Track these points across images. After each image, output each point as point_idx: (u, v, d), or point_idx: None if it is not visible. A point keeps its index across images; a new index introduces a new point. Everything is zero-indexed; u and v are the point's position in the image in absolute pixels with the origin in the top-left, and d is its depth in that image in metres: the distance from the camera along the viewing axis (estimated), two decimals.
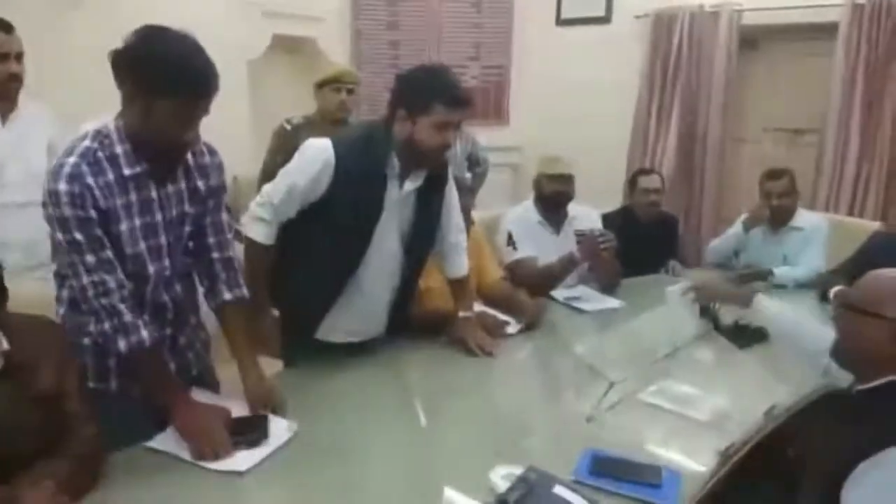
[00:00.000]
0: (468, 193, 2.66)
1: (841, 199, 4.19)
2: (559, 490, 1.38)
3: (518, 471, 1.42)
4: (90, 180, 1.47)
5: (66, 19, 3.34)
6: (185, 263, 1.73)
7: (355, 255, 2.02)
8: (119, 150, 1.51)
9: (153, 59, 1.43)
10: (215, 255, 1.75)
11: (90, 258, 1.49)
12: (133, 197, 1.55)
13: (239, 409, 1.70)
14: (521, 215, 3.07)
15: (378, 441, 1.72)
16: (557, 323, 2.62)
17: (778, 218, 3.31)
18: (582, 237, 2.81)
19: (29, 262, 2.17)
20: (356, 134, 2.09)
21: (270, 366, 2.03)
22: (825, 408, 1.89)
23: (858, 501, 1.30)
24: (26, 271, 2.17)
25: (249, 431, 1.61)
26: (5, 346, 1.35)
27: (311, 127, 3.08)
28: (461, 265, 2.30)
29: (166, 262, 1.65)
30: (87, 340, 1.62)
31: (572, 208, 3.07)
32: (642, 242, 3.25)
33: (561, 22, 5.10)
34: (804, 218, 3.35)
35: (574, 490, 1.40)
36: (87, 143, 1.51)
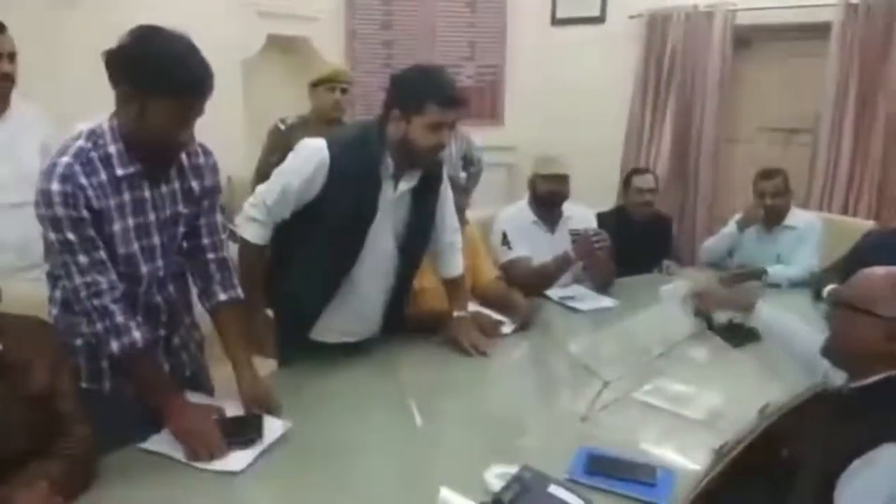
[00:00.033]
0: (462, 193, 2.66)
1: (834, 198, 4.20)
2: (554, 489, 1.39)
3: (513, 470, 1.42)
4: (83, 180, 1.46)
5: (60, 19, 3.33)
6: (178, 264, 1.73)
7: (350, 255, 2.01)
8: (112, 149, 1.51)
9: (148, 59, 1.43)
10: (210, 255, 1.75)
11: (83, 259, 1.48)
12: (126, 197, 1.54)
13: (233, 410, 1.70)
14: (516, 215, 3.07)
15: (373, 441, 1.72)
16: (552, 322, 2.63)
17: (772, 217, 3.32)
18: (576, 237, 2.81)
19: (22, 262, 2.17)
20: (350, 134, 2.09)
21: (265, 366, 2.03)
22: (818, 406, 1.89)
23: (851, 498, 1.30)
24: (19, 272, 2.16)
25: (244, 432, 1.60)
26: None
27: (305, 126, 3.08)
28: (456, 265, 2.30)
29: (160, 263, 1.64)
30: (79, 341, 1.62)
31: (567, 208, 3.07)
32: (636, 242, 3.26)
33: (555, 22, 5.11)
34: (798, 217, 3.36)
35: (569, 489, 1.41)
36: (80, 142, 1.50)
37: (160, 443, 1.57)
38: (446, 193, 2.22)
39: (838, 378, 1.67)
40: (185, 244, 1.73)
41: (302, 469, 1.57)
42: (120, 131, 1.51)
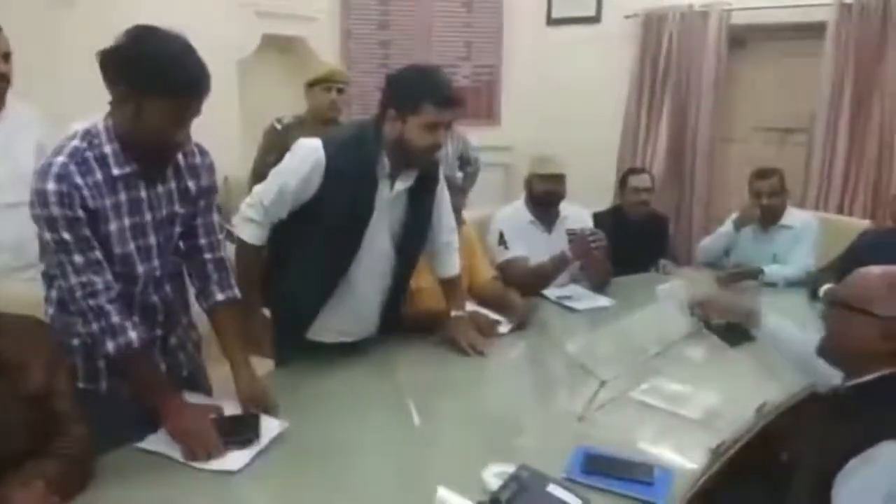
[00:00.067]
0: (459, 193, 2.66)
1: (830, 197, 4.21)
2: (551, 488, 1.39)
3: (510, 469, 1.43)
4: (78, 180, 1.46)
5: (58, 19, 3.32)
6: (175, 264, 1.73)
7: (347, 255, 2.01)
8: (108, 149, 1.51)
9: (145, 59, 1.42)
10: (207, 255, 1.75)
11: (78, 258, 1.48)
12: (122, 197, 1.54)
13: (231, 409, 1.70)
14: (513, 215, 3.07)
15: (370, 440, 1.72)
16: (549, 322, 2.63)
17: (768, 217, 3.33)
18: (573, 236, 2.81)
19: (17, 262, 2.16)
20: (347, 134, 2.09)
21: (262, 366, 2.02)
22: (815, 406, 1.90)
23: (848, 496, 1.30)
24: (15, 272, 2.15)
25: (241, 431, 1.60)
26: None
27: (301, 126, 3.08)
28: (453, 265, 2.30)
29: (156, 263, 1.64)
30: (76, 341, 1.61)
31: (563, 208, 3.08)
32: (633, 241, 3.27)
33: (551, 22, 5.11)
34: (794, 216, 3.37)
35: (566, 488, 1.41)
36: (75, 142, 1.50)
37: (157, 442, 1.57)
38: (443, 193, 2.22)
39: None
40: (182, 244, 1.73)
41: (299, 469, 1.57)
42: (115, 131, 1.51)
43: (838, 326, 1.56)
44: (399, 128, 1.91)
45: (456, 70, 5.16)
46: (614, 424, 1.79)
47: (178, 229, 1.68)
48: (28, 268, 2.06)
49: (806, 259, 3.22)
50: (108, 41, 1.44)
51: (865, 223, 3.63)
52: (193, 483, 1.47)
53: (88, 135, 1.51)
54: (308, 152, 1.93)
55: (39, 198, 1.44)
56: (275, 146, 2.94)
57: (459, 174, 3.65)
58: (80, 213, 1.46)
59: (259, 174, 2.71)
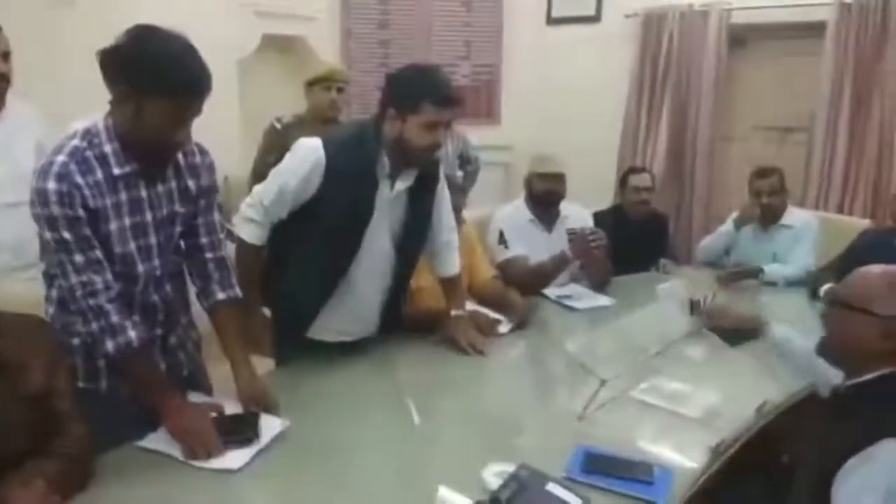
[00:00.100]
0: (459, 192, 2.66)
1: (830, 197, 4.21)
2: (551, 487, 1.39)
3: (510, 468, 1.42)
4: (79, 179, 1.46)
5: (58, 19, 3.32)
6: (175, 263, 1.73)
7: (347, 254, 2.01)
8: (108, 149, 1.51)
9: (145, 58, 1.42)
10: (208, 255, 1.75)
11: (78, 258, 1.48)
12: (122, 196, 1.54)
13: (231, 408, 1.70)
14: (513, 214, 3.07)
15: (371, 440, 1.72)
16: (549, 321, 2.63)
17: (768, 216, 3.32)
18: (573, 235, 2.82)
19: (18, 262, 2.16)
20: (347, 133, 2.09)
21: (262, 365, 2.03)
22: (815, 405, 1.90)
23: (848, 495, 1.30)
24: (15, 272, 2.15)
25: (241, 430, 1.60)
26: None
27: (301, 126, 3.08)
28: (453, 264, 2.30)
29: (156, 262, 1.64)
30: (76, 340, 1.61)
31: (564, 207, 3.08)
32: (633, 241, 3.27)
33: (551, 21, 5.11)
34: (794, 216, 3.37)
35: (566, 487, 1.41)
36: (75, 141, 1.50)
37: (157, 441, 1.57)
38: (443, 193, 2.22)
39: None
40: (183, 243, 1.73)
41: (299, 468, 1.57)
42: (115, 131, 1.51)
43: (838, 326, 1.56)
44: (399, 127, 1.91)
45: (455, 69, 5.16)
46: (614, 423, 1.79)
47: (178, 228, 1.69)
48: (28, 267, 2.06)
49: (806, 258, 3.22)
50: (108, 41, 1.44)
51: (865, 222, 3.63)
52: (193, 482, 1.47)
53: (88, 134, 1.51)
54: (308, 152, 1.93)
55: (40, 197, 1.44)
56: (275, 146, 2.94)
57: (459, 173, 3.65)
58: (81, 212, 1.46)
59: (259, 174, 2.71)
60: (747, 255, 3.35)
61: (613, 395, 1.88)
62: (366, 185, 1.96)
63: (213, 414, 1.64)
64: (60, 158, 1.46)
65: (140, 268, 1.60)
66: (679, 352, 2.26)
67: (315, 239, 1.98)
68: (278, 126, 3.18)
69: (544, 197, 3.03)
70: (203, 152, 1.71)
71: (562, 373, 2.24)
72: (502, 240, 2.96)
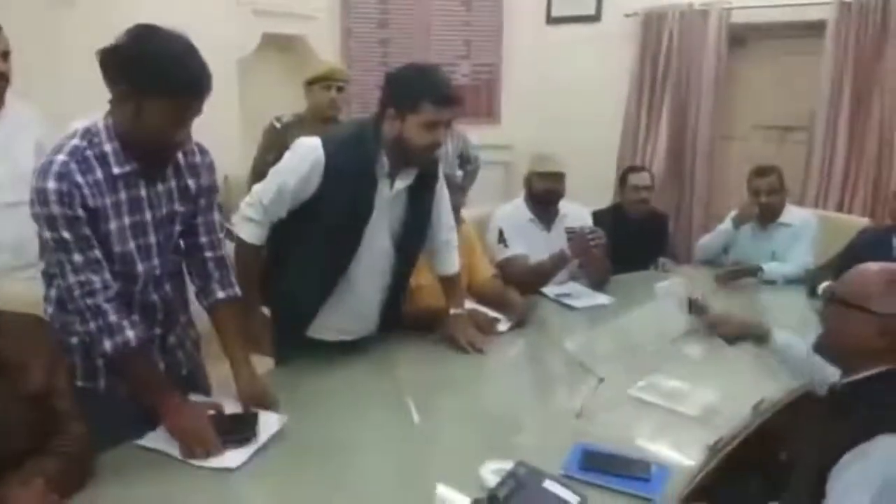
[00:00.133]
0: (458, 191, 2.66)
1: (830, 195, 4.22)
2: (548, 485, 1.39)
3: (508, 466, 1.43)
4: (79, 178, 1.46)
5: (56, 19, 3.32)
6: (174, 262, 1.73)
7: (346, 253, 2.02)
8: (108, 148, 1.51)
9: (146, 58, 1.42)
10: (208, 254, 1.75)
11: (77, 257, 1.48)
12: (122, 196, 1.54)
13: (230, 408, 1.70)
14: (512, 213, 3.07)
15: (370, 438, 1.72)
16: (548, 319, 2.64)
17: (766, 214, 3.33)
18: (572, 234, 2.82)
19: (17, 262, 2.16)
20: (346, 132, 2.09)
21: (262, 364, 2.03)
22: (812, 403, 1.90)
23: (843, 489, 1.30)
24: (15, 271, 2.16)
25: (239, 429, 1.60)
26: None
27: (301, 125, 3.08)
28: (452, 263, 2.31)
29: (156, 262, 1.64)
30: (75, 339, 1.61)
31: (563, 206, 3.08)
32: (632, 239, 3.28)
33: (551, 20, 5.11)
34: (793, 214, 3.37)
35: (564, 484, 1.41)
36: (75, 141, 1.50)
37: (156, 440, 1.57)
38: (442, 191, 2.22)
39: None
40: (182, 242, 1.74)
41: (298, 466, 1.57)
42: (115, 130, 1.51)
43: (835, 323, 1.56)
44: (398, 126, 1.91)
45: (455, 69, 5.16)
46: (612, 421, 1.80)
47: (177, 228, 1.69)
48: (28, 267, 2.06)
49: (805, 257, 3.23)
50: (108, 41, 1.44)
51: (864, 221, 3.64)
52: (192, 480, 1.48)
53: (88, 133, 1.52)
54: (307, 151, 1.94)
55: (39, 196, 1.44)
56: (274, 145, 2.94)
57: (459, 172, 3.66)
58: (80, 211, 1.47)
59: (259, 173, 2.72)
60: (746, 254, 3.35)
61: (612, 393, 1.89)
62: (365, 185, 1.97)
63: (212, 412, 1.64)
64: (60, 158, 1.46)
65: (139, 267, 1.60)
66: (677, 350, 2.27)
67: (315, 238, 1.99)
68: (278, 125, 3.18)
69: (544, 196, 3.03)
70: (203, 151, 1.71)
71: (561, 371, 2.24)
72: (502, 239, 2.96)
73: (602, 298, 2.87)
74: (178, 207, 1.66)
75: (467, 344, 2.22)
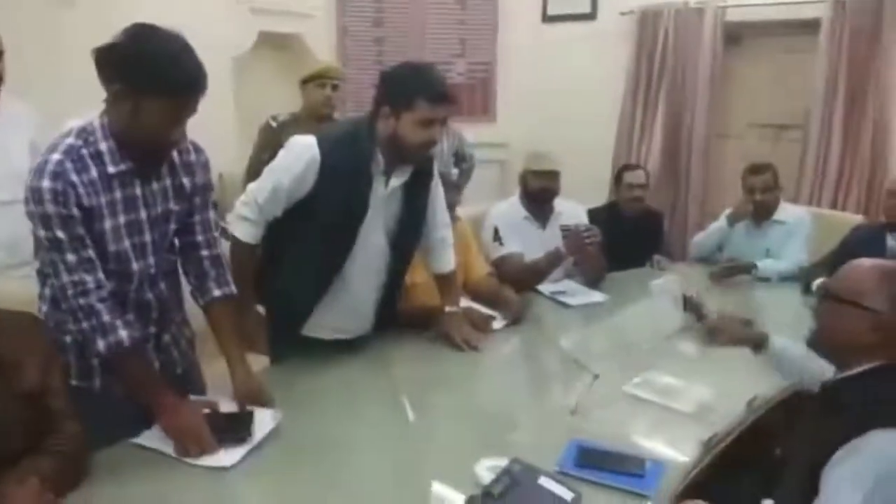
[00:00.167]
0: (453, 189, 2.67)
1: (824, 193, 4.23)
2: (543, 481, 1.40)
3: (503, 463, 1.43)
4: (74, 178, 1.46)
5: (56, 19, 3.32)
6: (169, 261, 1.73)
7: (342, 252, 2.02)
8: (103, 147, 1.51)
9: (143, 58, 1.42)
10: (204, 252, 1.76)
11: (71, 257, 1.48)
12: (117, 194, 1.54)
13: (226, 406, 1.70)
14: (507, 211, 3.08)
15: (365, 436, 1.72)
16: (543, 317, 2.64)
17: (761, 212, 3.34)
18: (567, 232, 2.82)
19: (12, 260, 2.16)
20: (341, 131, 2.09)
21: (257, 362, 2.03)
22: (805, 399, 1.91)
23: (836, 485, 1.31)
24: (9, 270, 2.16)
25: (235, 428, 1.60)
26: None
27: (296, 123, 3.08)
28: (447, 261, 2.31)
29: (151, 260, 1.64)
30: (69, 338, 1.61)
31: (558, 204, 3.08)
32: (627, 237, 3.29)
33: (546, 18, 5.12)
34: (787, 211, 3.38)
35: (558, 481, 1.42)
36: (70, 140, 1.50)
37: (151, 438, 1.57)
38: (437, 189, 2.23)
39: None
40: (178, 241, 1.74)
41: (293, 465, 1.57)
42: (111, 129, 1.51)
43: (829, 319, 1.57)
44: (393, 124, 1.91)
45: (451, 67, 5.16)
46: (607, 418, 1.80)
47: (172, 226, 1.69)
48: (22, 265, 2.06)
49: (799, 254, 3.24)
50: (104, 39, 1.44)
51: (858, 218, 3.65)
52: (187, 479, 1.48)
53: (84, 132, 1.51)
54: (302, 150, 1.94)
55: (34, 195, 1.44)
56: (270, 143, 2.94)
57: (455, 171, 3.66)
58: (75, 211, 1.46)
59: (254, 171, 2.72)
60: (740, 251, 3.36)
61: (606, 390, 1.89)
62: (360, 183, 1.97)
63: (207, 410, 1.64)
64: (55, 157, 1.46)
65: (134, 266, 1.60)
66: (672, 347, 2.27)
67: (310, 236, 1.99)
68: (274, 124, 3.18)
69: (539, 194, 3.03)
70: (198, 150, 1.71)
71: (556, 368, 2.25)
72: (497, 237, 2.96)
73: (597, 296, 2.88)
74: (173, 206, 1.66)
75: (462, 342, 2.22)
